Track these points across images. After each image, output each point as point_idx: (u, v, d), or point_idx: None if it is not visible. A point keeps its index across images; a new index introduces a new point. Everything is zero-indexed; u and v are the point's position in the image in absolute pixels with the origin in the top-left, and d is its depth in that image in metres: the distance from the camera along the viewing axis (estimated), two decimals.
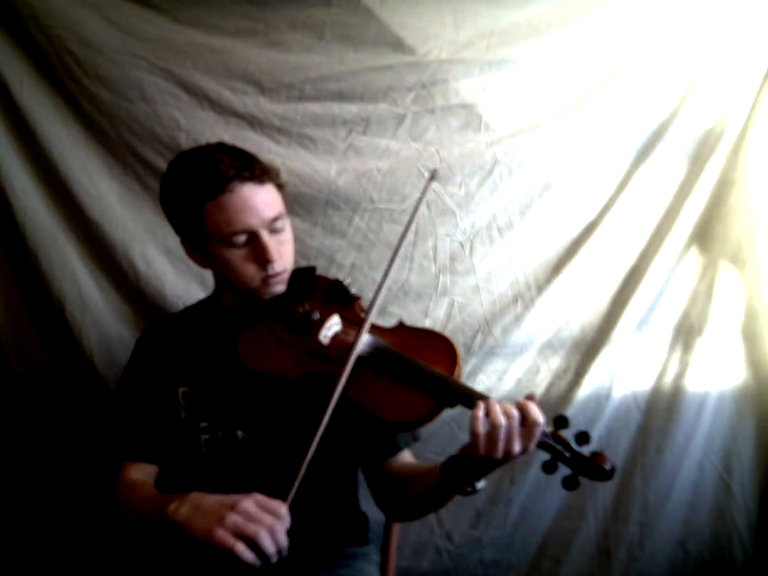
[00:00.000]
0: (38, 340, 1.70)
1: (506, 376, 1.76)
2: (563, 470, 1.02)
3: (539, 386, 1.76)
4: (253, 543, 0.94)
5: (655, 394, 1.76)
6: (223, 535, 0.94)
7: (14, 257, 1.66)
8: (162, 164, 1.64)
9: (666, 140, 1.69)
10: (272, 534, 0.95)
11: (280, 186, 1.27)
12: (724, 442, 1.76)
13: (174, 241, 1.66)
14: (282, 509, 0.97)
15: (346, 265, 1.71)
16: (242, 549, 0.93)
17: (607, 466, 0.99)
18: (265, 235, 1.20)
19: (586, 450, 1.01)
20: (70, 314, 1.65)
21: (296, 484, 1.00)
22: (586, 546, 1.80)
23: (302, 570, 1.27)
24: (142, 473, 1.26)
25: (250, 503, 0.97)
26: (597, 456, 1.00)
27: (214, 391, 1.28)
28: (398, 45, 1.66)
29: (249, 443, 1.25)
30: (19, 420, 1.70)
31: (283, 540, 0.96)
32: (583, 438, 1.00)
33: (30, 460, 1.71)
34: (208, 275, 1.66)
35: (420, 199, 1.21)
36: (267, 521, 0.95)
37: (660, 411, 1.75)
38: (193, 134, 1.64)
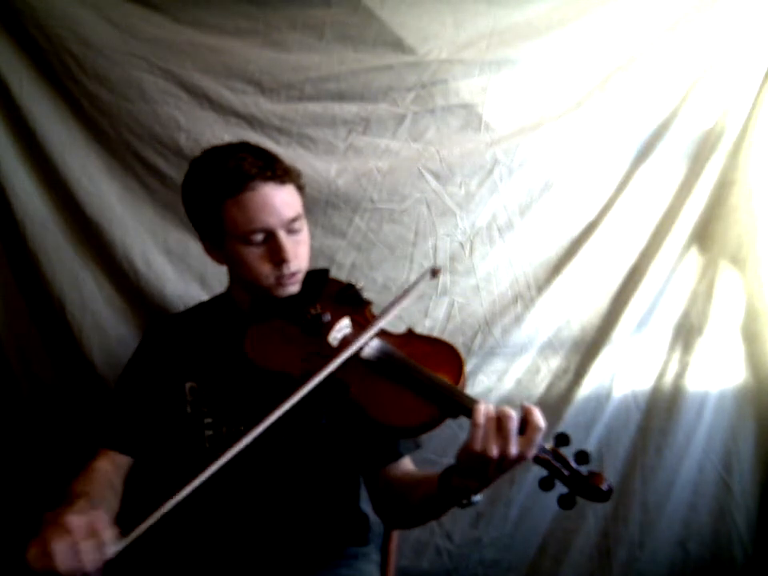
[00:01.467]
0: (38, 340, 1.70)
1: (506, 376, 1.75)
2: (560, 489, 1.02)
3: (539, 386, 1.76)
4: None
5: (655, 393, 1.76)
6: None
7: (14, 257, 1.66)
8: (162, 164, 1.64)
9: (666, 140, 1.69)
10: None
11: (300, 188, 1.28)
12: (724, 441, 1.76)
13: (174, 241, 1.67)
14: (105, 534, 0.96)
15: (346, 265, 1.71)
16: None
17: (604, 487, 0.99)
18: (282, 235, 1.20)
19: (584, 469, 1.01)
20: (70, 313, 1.65)
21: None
22: (585, 546, 1.80)
23: (302, 570, 1.27)
24: (108, 461, 1.24)
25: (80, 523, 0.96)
26: (594, 476, 1.00)
27: (221, 387, 1.28)
28: (398, 45, 1.66)
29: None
30: (19, 420, 1.70)
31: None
32: (582, 457, 1.01)
33: (30, 460, 1.71)
34: (208, 275, 1.67)
35: (413, 286, 1.25)
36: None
37: (660, 411, 1.75)
38: (193, 134, 1.64)
